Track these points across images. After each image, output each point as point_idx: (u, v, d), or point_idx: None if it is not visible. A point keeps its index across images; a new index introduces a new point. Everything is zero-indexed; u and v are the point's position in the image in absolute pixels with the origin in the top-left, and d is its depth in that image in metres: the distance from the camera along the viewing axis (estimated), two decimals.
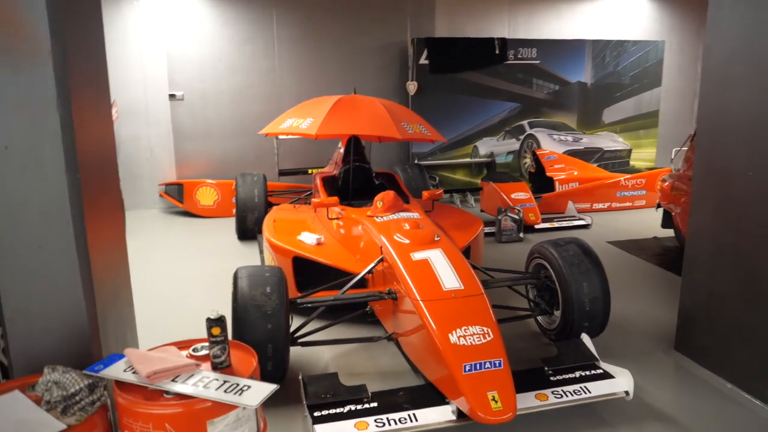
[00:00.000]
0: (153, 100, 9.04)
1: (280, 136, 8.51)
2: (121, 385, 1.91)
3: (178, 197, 8.84)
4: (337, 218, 4.90)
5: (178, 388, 1.86)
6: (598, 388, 3.22)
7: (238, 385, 1.89)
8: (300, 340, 3.69)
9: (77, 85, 2.22)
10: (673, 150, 7.96)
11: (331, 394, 3.07)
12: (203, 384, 1.88)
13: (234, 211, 7.47)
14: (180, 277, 5.88)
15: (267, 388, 1.87)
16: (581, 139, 10.56)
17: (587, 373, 3.37)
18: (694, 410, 3.35)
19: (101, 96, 2.65)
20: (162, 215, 8.94)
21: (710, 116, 3.66)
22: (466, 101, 9.91)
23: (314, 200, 5.11)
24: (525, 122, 10.28)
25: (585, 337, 3.64)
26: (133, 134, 8.83)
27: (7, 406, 1.86)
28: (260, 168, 8.45)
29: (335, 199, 4.82)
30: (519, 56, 9.95)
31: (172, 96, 9.10)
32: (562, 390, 3.19)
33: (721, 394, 3.51)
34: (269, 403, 2.09)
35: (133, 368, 1.97)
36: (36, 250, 2.10)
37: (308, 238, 4.77)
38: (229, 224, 7.88)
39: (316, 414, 2.93)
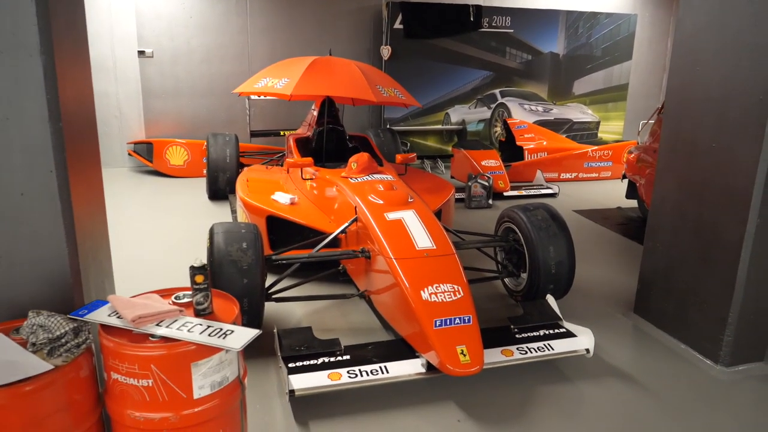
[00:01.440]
0: (121, 56, 8.86)
1: (252, 97, 8.45)
2: (106, 328, 1.96)
3: (147, 156, 8.74)
4: (311, 179, 4.94)
5: (163, 331, 1.91)
6: (560, 346, 3.37)
7: (221, 329, 1.95)
8: (275, 296, 3.76)
9: (58, 34, 2.21)
10: (641, 123, 8.15)
11: (305, 347, 3.16)
12: (187, 328, 1.94)
13: (205, 171, 7.44)
14: (152, 235, 5.88)
15: (249, 333, 1.94)
16: (551, 109, 10.71)
17: (551, 331, 3.52)
18: (649, 368, 3.53)
19: (80, 47, 2.63)
20: (131, 174, 8.84)
21: (679, 89, 3.77)
22: (440, 68, 9.94)
23: (288, 161, 5.13)
24: (497, 91, 10.37)
25: (550, 298, 3.78)
26: (101, 91, 8.66)
27: None
28: (231, 129, 8.41)
29: (310, 159, 4.86)
30: (493, 24, 9.98)
31: (141, 53, 8.93)
32: (527, 347, 3.34)
33: (674, 353, 3.70)
34: (245, 355, 2.16)
35: (117, 313, 2.02)
36: (19, 198, 2.11)
37: (282, 197, 4.81)
38: (200, 184, 7.86)
39: (290, 365, 3.02)
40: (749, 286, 3.38)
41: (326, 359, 3.11)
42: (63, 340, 1.91)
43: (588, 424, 2.97)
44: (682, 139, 3.74)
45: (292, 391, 2.84)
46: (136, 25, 8.80)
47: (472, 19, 9.78)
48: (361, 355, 3.18)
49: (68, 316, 2.02)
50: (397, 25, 9.46)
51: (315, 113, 6.41)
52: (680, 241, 3.77)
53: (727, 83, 3.37)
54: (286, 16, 9.41)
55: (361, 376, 2.99)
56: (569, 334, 3.48)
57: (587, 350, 3.35)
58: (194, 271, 2.04)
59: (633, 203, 7.22)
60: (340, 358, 3.13)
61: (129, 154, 8.96)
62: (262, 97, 8.30)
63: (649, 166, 6.23)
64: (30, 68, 2.07)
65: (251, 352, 3.43)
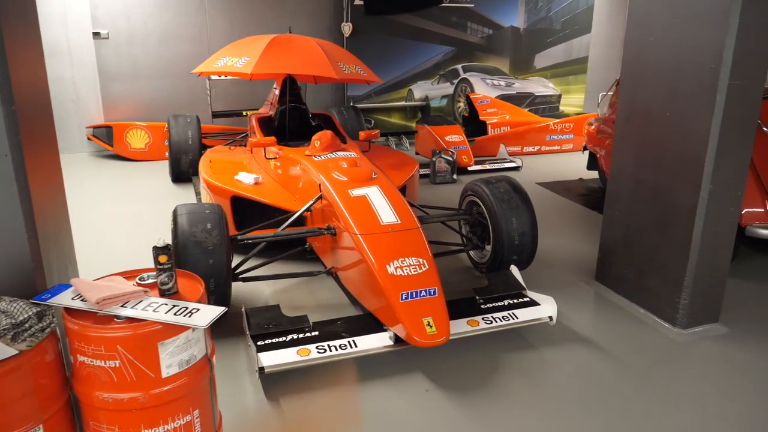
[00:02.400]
0: (75, 38, 8.60)
1: (213, 77, 8.33)
2: (70, 312, 1.95)
3: (107, 140, 8.56)
4: (275, 158, 4.92)
5: (128, 312, 1.91)
6: (524, 315, 3.46)
7: (187, 308, 1.96)
8: (241, 276, 3.76)
9: (6, 15, 2.16)
10: (600, 94, 8.26)
11: (274, 324, 3.18)
12: (152, 308, 1.94)
13: (167, 153, 7.33)
14: (115, 219, 5.79)
15: (215, 310, 1.96)
16: (513, 83, 10.78)
17: (515, 301, 3.60)
18: (610, 333, 3.65)
19: (31, 29, 2.57)
20: (91, 159, 8.66)
21: (633, 60, 3.85)
22: (401, 44, 9.91)
23: (251, 140, 5.10)
24: (459, 66, 10.39)
25: (514, 269, 3.86)
26: (56, 75, 8.41)
27: None
28: (192, 110, 8.28)
29: (273, 138, 4.83)
30: None
31: (96, 34, 8.69)
32: (492, 316, 3.42)
33: (635, 318, 3.82)
34: (214, 335, 2.18)
35: (81, 296, 2.01)
36: None
37: (246, 177, 4.79)
38: (163, 167, 7.75)
39: (259, 343, 3.05)
40: (703, 250, 3.50)
41: (295, 336, 3.14)
42: (27, 325, 1.90)
43: (552, 389, 3.06)
44: (637, 110, 3.82)
45: (261, 369, 2.87)
46: (90, 6, 8.55)
47: None
48: (329, 330, 3.22)
49: (31, 300, 2.00)
50: (358, 2, 9.38)
51: (277, 92, 6.36)
52: (638, 209, 3.87)
53: (679, 53, 3.45)
54: None
55: (330, 351, 3.03)
56: (533, 303, 3.57)
57: (550, 318, 3.44)
58: (157, 251, 2.04)
59: (594, 174, 7.35)
60: (308, 334, 3.17)
61: (88, 139, 8.75)
62: (222, 77, 8.18)
63: (608, 137, 6.34)
64: None
65: (220, 331, 3.46)
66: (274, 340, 3.09)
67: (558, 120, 9.33)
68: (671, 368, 3.29)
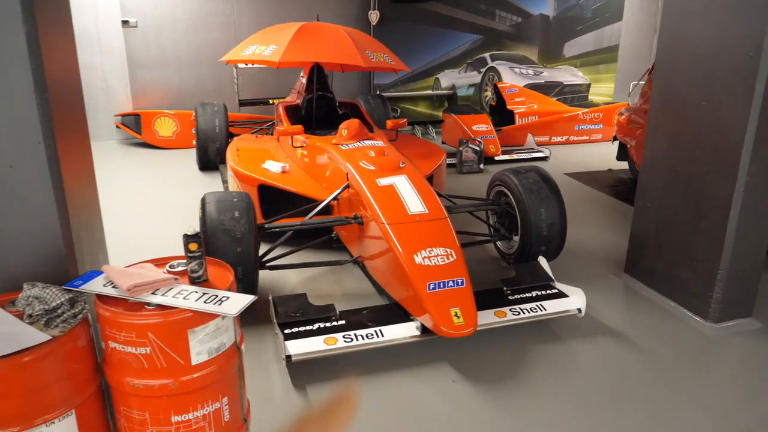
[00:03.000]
0: (105, 26, 8.69)
1: (240, 66, 8.34)
2: (102, 298, 1.96)
3: (135, 128, 8.66)
4: (302, 147, 4.92)
5: (159, 299, 1.92)
6: (552, 306, 3.42)
7: (217, 296, 1.96)
8: (268, 264, 3.78)
9: (40, 3, 2.17)
10: (631, 84, 8.11)
11: (301, 313, 3.19)
12: (183, 296, 1.94)
13: (194, 141, 7.38)
14: (144, 207, 5.86)
15: (245, 299, 1.96)
16: (542, 72, 10.64)
17: (543, 292, 3.56)
18: (641, 326, 3.59)
19: (63, 16, 2.58)
20: (120, 147, 8.76)
21: (669, 48, 3.76)
22: (429, 32, 9.83)
23: (278, 129, 5.10)
24: (487, 55, 10.28)
25: (542, 260, 3.82)
26: (85, 63, 8.50)
27: None
28: (220, 98, 8.31)
29: (300, 127, 4.83)
30: None
31: (125, 23, 8.76)
32: (520, 308, 3.39)
33: (665, 312, 3.76)
34: (242, 323, 2.18)
35: (112, 283, 2.02)
36: (8, 170, 2.09)
37: (273, 166, 4.79)
38: (190, 155, 7.80)
39: (286, 331, 3.06)
40: (738, 243, 3.42)
41: (322, 324, 3.14)
42: (59, 311, 1.92)
43: (580, 383, 3.03)
44: (672, 99, 3.73)
45: (288, 357, 2.88)
46: None
47: None
48: (356, 319, 3.22)
49: (63, 287, 2.02)
50: None
51: (304, 80, 6.35)
52: (670, 201, 3.79)
53: (717, 41, 3.36)
54: None
55: (357, 340, 3.03)
56: (561, 295, 3.53)
57: (579, 310, 3.40)
58: (188, 239, 2.04)
59: (624, 165, 7.24)
60: (335, 323, 3.17)
61: (117, 127, 8.86)
62: (250, 66, 8.19)
63: (639, 128, 6.23)
64: (13, 38, 2.04)
65: (248, 319, 3.46)
66: (301, 329, 3.09)
67: (587, 110, 9.19)
68: (702, 363, 3.23)
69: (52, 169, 2.17)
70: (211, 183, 6.67)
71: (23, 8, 2.04)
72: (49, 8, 2.32)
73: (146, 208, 5.84)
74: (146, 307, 1.92)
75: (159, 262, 2.25)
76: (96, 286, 2.02)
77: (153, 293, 1.97)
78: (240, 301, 1.94)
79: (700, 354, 3.31)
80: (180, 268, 2.16)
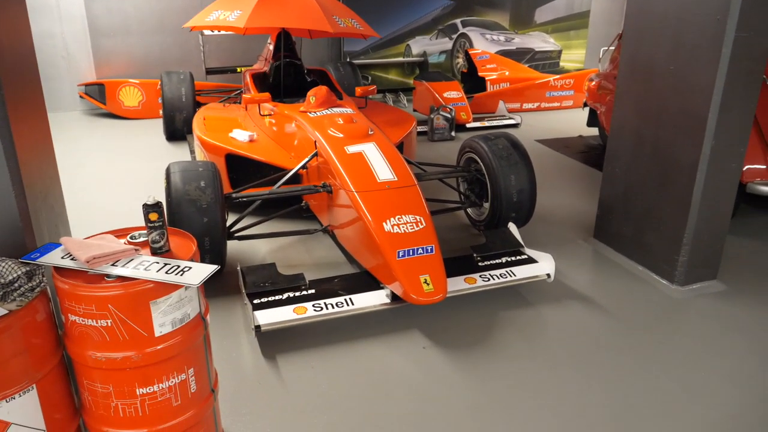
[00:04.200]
0: None
1: (206, 32, 8.15)
2: (60, 271, 1.91)
3: (99, 98, 8.43)
4: (270, 115, 4.84)
5: (119, 271, 1.87)
6: (522, 272, 3.44)
7: (179, 266, 1.92)
8: (237, 234, 3.73)
9: None
10: (602, 49, 8.11)
11: (270, 283, 3.16)
12: (144, 267, 1.90)
13: (161, 111, 7.22)
14: (108, 178, 5.73)
15: (208, 268, 1.92)
16: (513, 39, 10.59)
17: (513, 258, 3.58)
18: (609, 290, 3.64)
19: None
20: (84, 117, 8.54)
21: (637, 13, 3.73)
22: None
23: (245, 97, 4.99)
24: (458, 21, 10.19)
25: (512, 226, 3.82)
26: (45, 31, 8.23)
27: None
28: (186, 67, 8.12)
29: (267, 95, 4.73)
30: None
31: None
32: (490, 274, 3.40)
33: (633, 276, 3.81)
34: (209, 294, 2.15)
35: (71, 255, 1.97)
36: None
37: (240, 135, 4.71)
38: (157, 125, 7.65)
39: (255, 301, 3.03)
40: (703, 208, 3.46)
41: (291, 294, 3.12)
42: (16, 285, 1.86)
43: (550, 347, 3.06)
44: (639, 64, 3.73)
45: (258, 327, 2.86)
46: None
47: None
48: (326, 288, 3.20)
49: (20, 260, 1.96)
50: None
51: (271, 47, 6.22)
52: (638, 166, 3.81)
53: (684, 4, 3.35)
54: None
55: (327, 309, 3.02)
56: (531, 260, 3.55)
57: (548, 275, 3.43)
58: (148, 208, 1.98)
59: (594, 131, 7.27)
60: (305, 292, 3.15)
61: (80, 97, 8.62)
62: (216, 33, 8.01)
63: (609, 93, 6.24)
64: None
65: (216, 290, 3.44)
66: (270, 299, 3.07)
67: (558, 76, 9.18)
68: (668, 325, 3.28)
69: (4, 139, 2.08)
70: (179, 153, 6.55)
71: None
72: None
73: (111, 179, 5.71)
74: (106, 279, 1.87)
75: (119, 233, 2.19)
76: (54, 258, 1.96)
77: (113, 265, 1.92)
78: (203, 270, 1.90)
79: (666, 316, 3.37)
80: (141, 240, 2.11)
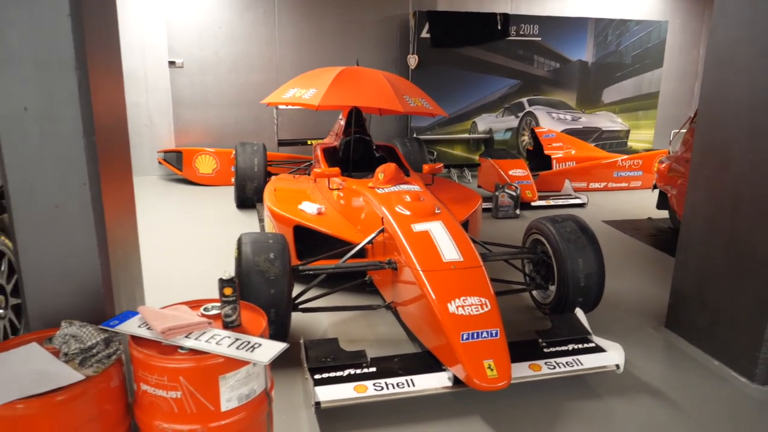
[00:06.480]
0: (152, 66, 9.01)
1: (280, 106, 8.52)
2: (136, 340, 1.98)
3: (177, 165, 8.86)
4: (338, 189, 4.96)
5: (192, 343, 1.93)
6: (590, 361, 3.32)
7: (249, 342, 1.96)
8: (301, 306, 3.77)
9: (92, 48, 2.25)
10: (672, 132, 8.02)
11: (332, 358, 3.16)
12: (216, 341, 1.95)
13: (233, 179, 7.50)
14: (181, 244, 5.94)
15: (277, 346, 1.95)
16: (580, 118, 10.61)
17: (580, 346, 3.46)
18: (681, 385, 3.46)
19: (113, 58, 2.68)
20: (161, 182, 8.97)
21: (712, 98, 3.70)
22: (467, 76, 9.92)
23: (315, 170, 5.15)
24: (524, 99, 10.31)
25: (579, 312, 3.72)
26: (132, 101, 8.80)
27: (25, 357, 1.93)
28: (259, 138, 8.48)
29: (337, 169, 4.87)
30: (521, 32, 9.94)
31: (171, 63, 9.07)
32: (555, 361, 3.29)
33: (708, 370, 3.62)
34: (272, 366, 2.17)
35: (147, 324, 2.04)
36: (53, 210, 2.15)
37: (309, 207, 4.83)
38: (228, 193, 7.93)
39: (317, 377, 3.02)
40: None
41: (352, 371, 3.10)
42: (94, 351, 1.94)
43: None
44: (714, 150, 3.67)
45: (318, 403, 2.84)
46: (167, 36, 8.95)
47: (499, 27, 9.75)
48: (387, 367, 3.17)
49: (100, 326, 2.05)
50: (424, 34, 9.47)
51: (342, 123, 6.44)
52: (713, 255, 3.69)
53: (761, 93, 3.30)
54: (314, 26, 9.48)
55: (387, 388, 2.98)
56: (599, 349, 3.42)
57: (617, 366, 3.29)
58: (223, 283, 2.05)
59: (664, 214, 7.09)
60: (366, 370, 3.12)
61: (159, 163, 9.10)
62: (289, 107, 8.36)
63: (680, 177, 6.13)
64: (65, 83, 2.11)
65: (278, 362, 3.44)
66: (331, 375, 3.06)
67: (626, 156, 9.08)
68: (748, 427, 3.08)
69: (95, 210, 2.22)
70: (248, 221, 6.75)
71: (76, 54, 2.12)
72: (101, 54, 2.41)
73: (183, 244, 5.92)
74: (179, 350, 1.92)
75: (193, 305, 2.26)
76: (131, 327, 2.04)
77: (186, 336, 1.97)
78: (272, 348, 1.93)
79: (745, 417, 3.16)
80: (214, 312, 2.17)
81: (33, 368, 1.87)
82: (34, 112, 2.10)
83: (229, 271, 2.11)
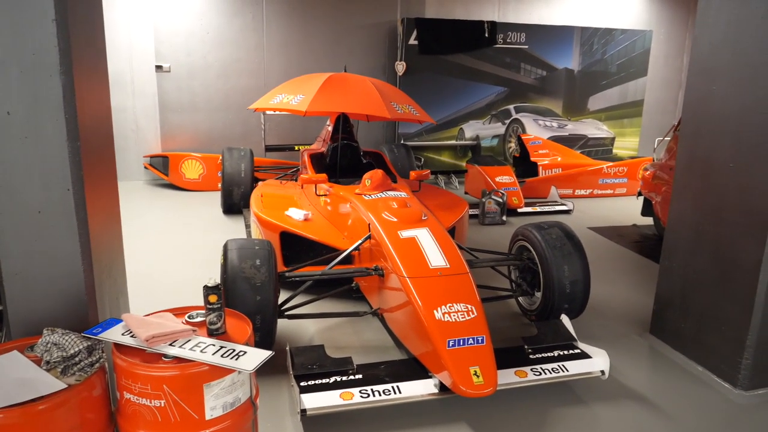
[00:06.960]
0: (139, 71, 8.96)
1: (268, 112, 8.50)
2: (119, 347, 1.96)
3: (163, 170, 8.81)
4: (325, 195, 4.95)
5: (176, 351, 1.91)
6: (575, 367, 3.33)
7: (234, 350, 1.95)
8: (287, 313, 3.76)
9: (78, 53, 2.23)
10: (656, 139, 8.10)
11: (318, 365, 3.15)
12: (200, 348, 1.93)
13: (220, 185, 7.48)
14: (167, 249, 5.90)
15: (262, 354, 1.94)
16: (566, 125, 10.68)
17: (565, 352, 3.48)
18: (665, 391, 3.48)
19: (99, 66, 2.66)
20: (147, 187, 8.91)
21: (695, 106, 3.74)
22: (454, 83, 9.96)
23: (302, 176, 5.14)
24: (511, 107, 10.37)
25: (564, 318, 3.74)
26: (118, 105, 8.74)
27: (6, 365, 1.90)
28: (246, 143, 8.46)
29: (324, 176, 4.86)
30: (508, 40, 10.00)
31: (158, 68, 9.03)
32: (541, 368, 3.30)
33: (692, 376, 3.64)
34: (257, 372, 2.16)
35: (131, 332, 2.02)
36: (36, 215, 2.13)
37: (296, 213, 4.82)
38: (215, 198, 7.90)
39: (302, 384, 3.01)
40: None
41: (338, 378, 3.09)
42: (77, 359, 1.92)
43: None
44: (698, 158, 3.70)
45: (303, 410, 2.83)
46: (154, 41, 8.91)
47: (486, 35, 9.81)
48: (373, 374, 3.16)
49: (82, 334, 2.03)
50: (412, 41, 9.50)
51: (330, 129, 6.44)
52: (697, 262, 3.72)
53: (744, 101, 3.34)
54: (302, 31, 9.48)
55: (373, 395, 2.97)
56: (584, 355, 3.44)
57: (602, 372, 3.31)
58: (208, 290, 2.04)
59: (648, 221, 7.15)
60: (352, 377, 3.12)
61: (145, 168, 9.04)
62: (277, 112, 8.35)
63: (665, 184, 6.18)
64: (50, 88, 2.10)
65: (263, 369, 3.42)
66: (317, 382, 3.05)
67: (611, 163, 9.15)
68: None
69: (79, 216, 2.20)
70: (235, 227, 6.72)
71: (61, 59, 2.10)
72: (87, 58, 2.39)
73: (169, 250, 5.88)
74: (163, 358, 1.91)
75: (178, 312, 2.25)
76: (115, 334, 2.02)
77: (171, 344, 1.96)
78: (257, 356, 1.92)
79: (728, 422, 3.19)
80: (199, 319, 2.16)
81: (14, 377, 1.85)
82: (17, 116, 2.08)
83: (214, 278, 2.10)
